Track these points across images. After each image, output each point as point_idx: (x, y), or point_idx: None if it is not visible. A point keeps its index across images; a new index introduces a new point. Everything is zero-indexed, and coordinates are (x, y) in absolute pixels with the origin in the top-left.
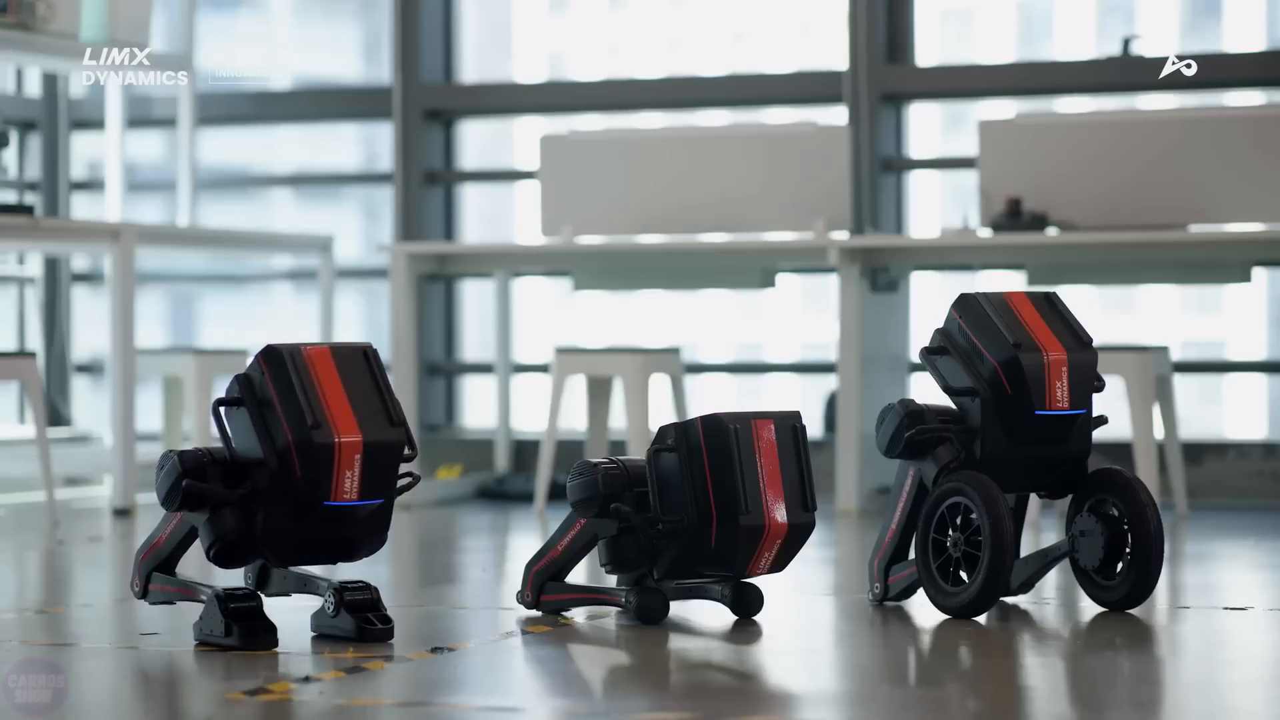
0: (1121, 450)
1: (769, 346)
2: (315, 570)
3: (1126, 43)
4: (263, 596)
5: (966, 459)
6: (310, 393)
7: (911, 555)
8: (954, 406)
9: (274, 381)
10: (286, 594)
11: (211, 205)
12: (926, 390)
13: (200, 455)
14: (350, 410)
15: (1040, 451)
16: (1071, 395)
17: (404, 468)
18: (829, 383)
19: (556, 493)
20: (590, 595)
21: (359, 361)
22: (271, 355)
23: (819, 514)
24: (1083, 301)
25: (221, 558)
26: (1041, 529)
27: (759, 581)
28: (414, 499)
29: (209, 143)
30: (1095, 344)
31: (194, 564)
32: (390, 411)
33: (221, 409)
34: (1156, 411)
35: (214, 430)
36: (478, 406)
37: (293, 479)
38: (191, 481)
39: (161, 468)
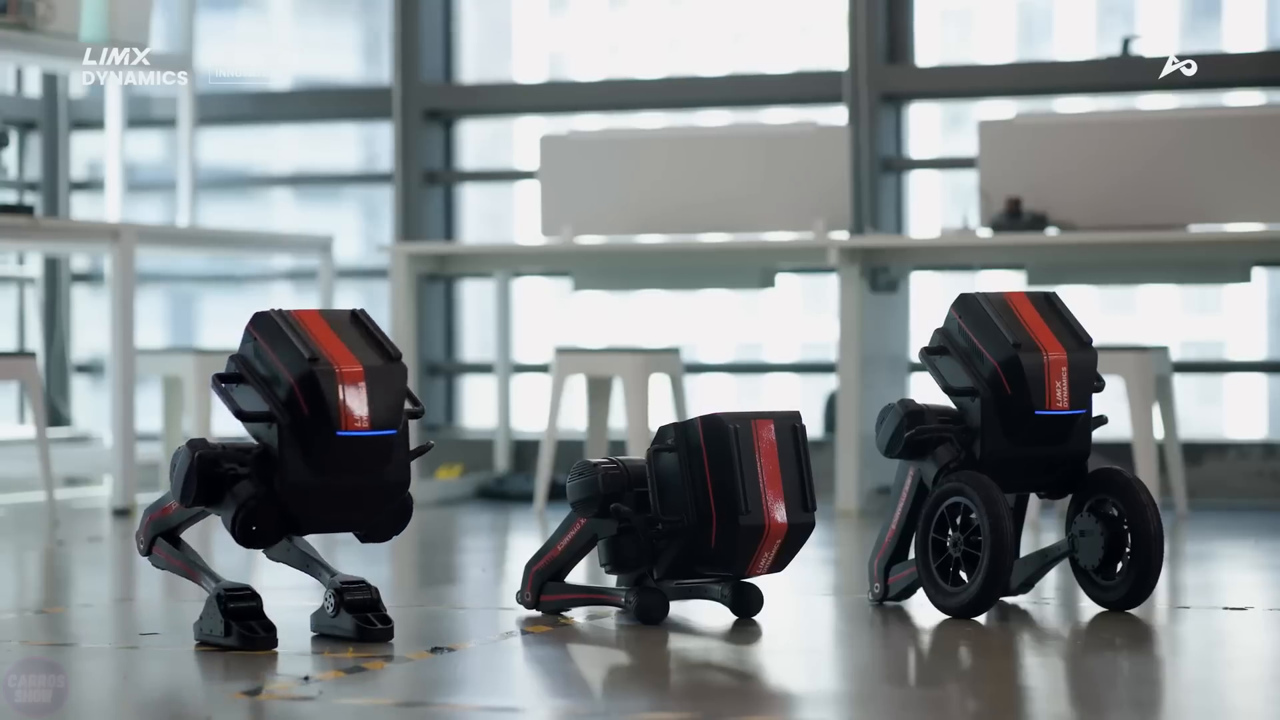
0: (1121, 450)
1: (769, 346)
2: (319, 554)
3: (1126, 43)
4: (262, 597)
5: (966, 459)
6: (304, 337)
7: (911, 555)
8: (954, 406)
9: (268, 341)
10: (288, 565)
11: (211, 205)
12: (926, 390)
13: (207, 441)
14: (346, 348)
15: (1040, 451)
16: (1071, 395)
17: (418, 437)
18: (829, 383)
19: (556, 493)
20: (590, 595)
21: (348, 319)
22: (260, 318)
23: (819, 514)
24: (1083, 301)
25: (246, 529)
26: (1041, 529)
27: (759, 581)
28: (415, 499)
29: (209, 143)
30: (1095, 344)
31: (197, 544)
32: (387, 349)
33: (222, 384)
34: (1156, 411)
35: (215, 430)
36: (478, 406)
37: (303, 420)
38: (204, 453)
39: (174, 465)
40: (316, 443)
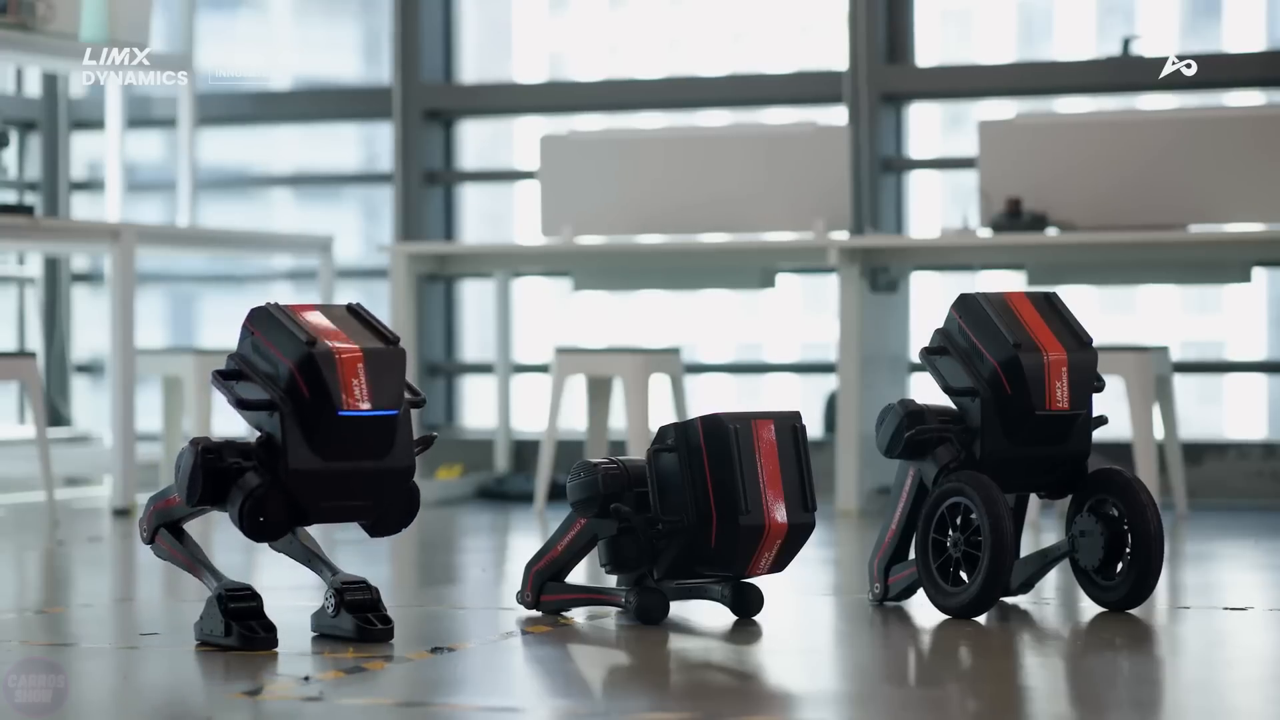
0: (1121, 450)
1: (769, 346)
2: (323, 550)
3: (1126, 43)
4: (263, 597)
5: (966, 459)
6: (300, 324)
7: (911, 555)
8: (954, 406)
9: (265, 333)
10: (291, 557)
11: (211, 205)
12: (926, 390)
13: (210, 438)
14: (343, 334)
15: (1040, 451)
16: (1071, 395)
17: (421, 426)
18: (829, 383)
19: (556, 493)
20: (590, 595)
21: (344, 311)
22: (256, 313)
23: (819, 514)
24: (1083, 301)
25: (254, 520)
26: (1041, 529)
27: (759, 581)
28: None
29: (209, 143)
30: (1095, 344)
31: (200, 534)
32: (385, 334)
33: (223, 380)
34: (1156, 411)
35: (215, 430)
36: (478, 406)
37: (304, 404)
38: (207, 446)
39: (178, 466)
40: (319, 425)
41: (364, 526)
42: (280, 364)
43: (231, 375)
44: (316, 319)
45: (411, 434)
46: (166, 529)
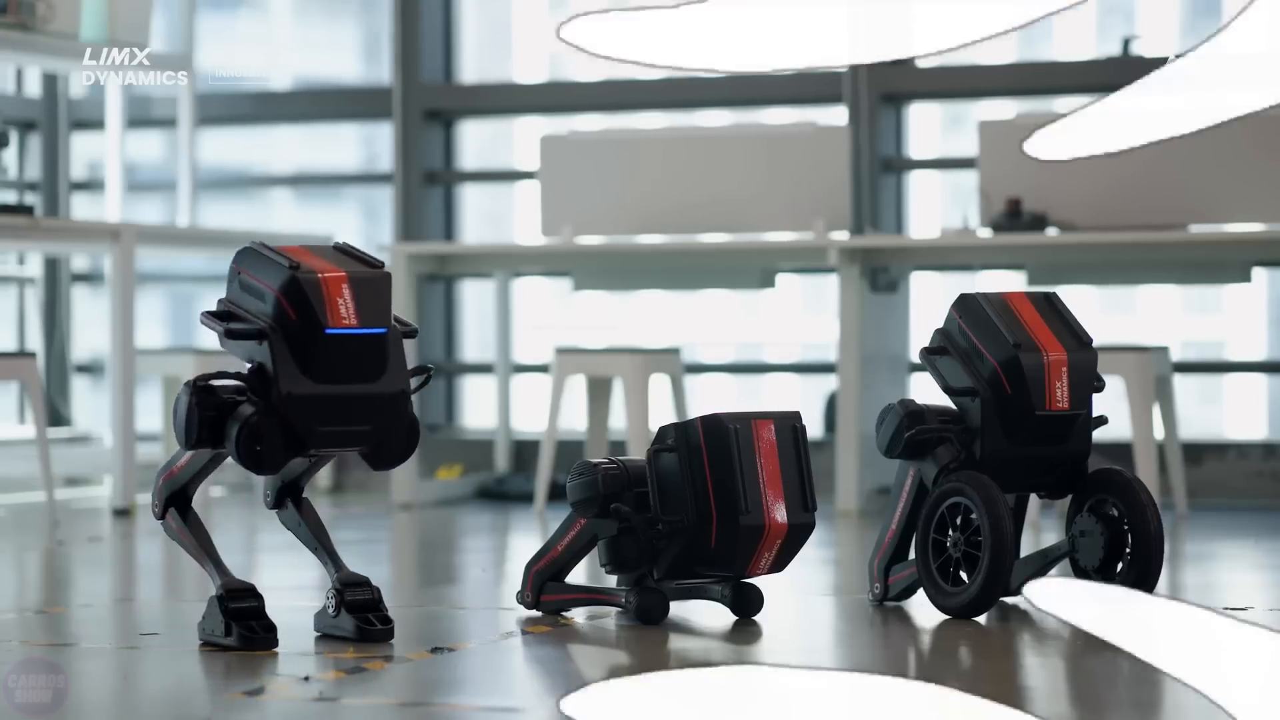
0: (1121, 450)
1: (769, 346)
2: (331, 541)
3: (1126, 43)
4: (264, 597)
5: (966, 459)
6: (283, 254)
7: (911, 555)
8: (954, 406)
9: (251, 269)
10: (298, 539)
11: (211, 205)
12: (926, 390)
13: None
14: (327, 262)
15: (1040, 451)
16: (1071, 395)
17: (415, 360)
18: (829, 383)
19: (556, 493)
20: (590, 595)
21: (331, 247)
22: (242, 253)
23: (819, 514)
24: (1083, 301)
25: (250, 449)
26: (1041, 529)
27: (759, 581)
28: (415, 499)
29: (209, 143)
30: (1095, 344)
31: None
32: (369, 261)
33: (211, 316)
34: (1156, 411)
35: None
36: (478, 406)
37: (291, 327)
38: (199, 382)
39: (175, 412)
40: (308, 347)
41: (365, 457)
42: (267, 293)
43: (221, 317)
44: (301, 252)
45: (404, 360)
46: (175, 507)
